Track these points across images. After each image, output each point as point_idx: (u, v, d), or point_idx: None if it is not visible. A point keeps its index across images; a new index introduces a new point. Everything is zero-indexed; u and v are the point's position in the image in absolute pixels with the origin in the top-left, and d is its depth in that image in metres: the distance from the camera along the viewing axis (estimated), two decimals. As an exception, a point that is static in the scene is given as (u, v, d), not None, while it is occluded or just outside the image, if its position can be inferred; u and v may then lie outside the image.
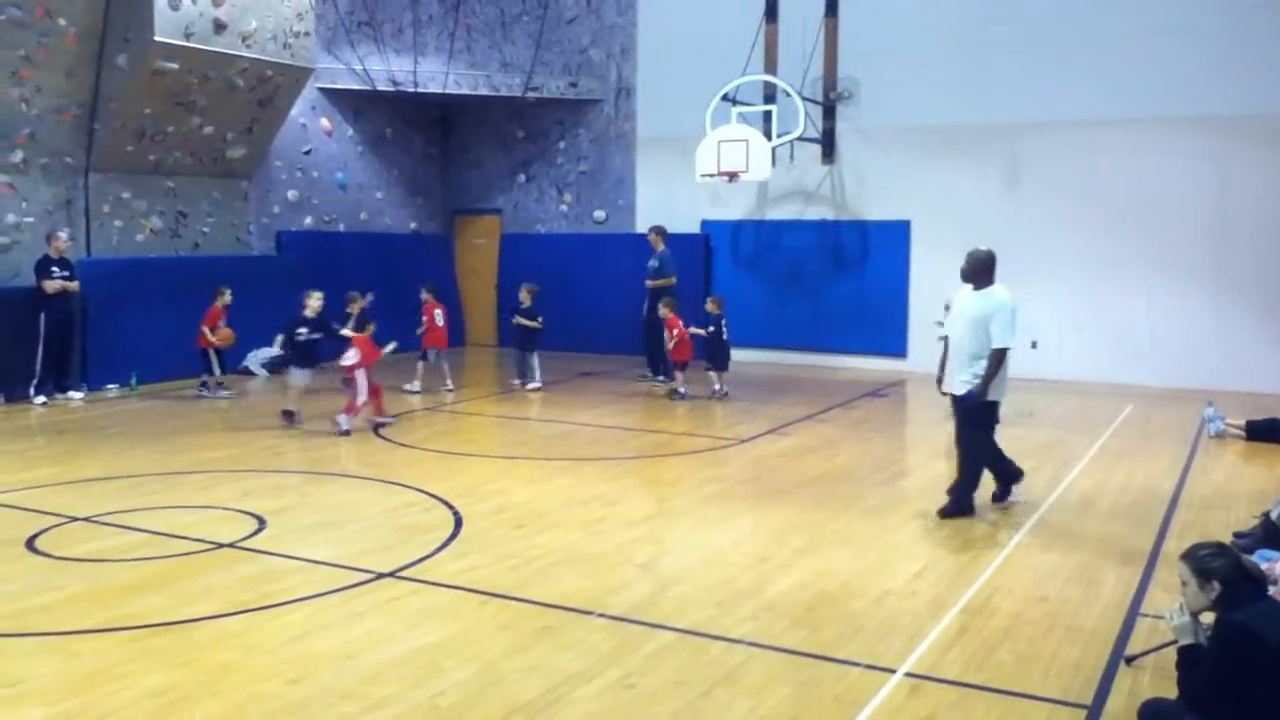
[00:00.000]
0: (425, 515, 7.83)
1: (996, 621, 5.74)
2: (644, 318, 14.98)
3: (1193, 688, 4.15)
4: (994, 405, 7.89)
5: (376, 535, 7.33)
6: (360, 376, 11.17)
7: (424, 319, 13.80)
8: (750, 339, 17.36)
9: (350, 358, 11.23)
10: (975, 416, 7.89)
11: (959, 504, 7.90)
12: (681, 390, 13.49)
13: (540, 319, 14.48)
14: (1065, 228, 15.25)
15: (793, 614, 5.84)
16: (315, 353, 11.60)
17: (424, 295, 13.95)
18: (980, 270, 7.82)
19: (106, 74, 13.76)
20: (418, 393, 13.54)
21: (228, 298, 13.27)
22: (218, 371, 13.36)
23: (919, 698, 4.81)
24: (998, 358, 7.63)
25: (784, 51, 16.52)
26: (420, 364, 13.77)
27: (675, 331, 13.44)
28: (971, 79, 15.63)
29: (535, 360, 14.50)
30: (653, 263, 15.04)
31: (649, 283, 14.87)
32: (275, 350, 15.24)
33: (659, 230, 15.38)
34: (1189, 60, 14.30)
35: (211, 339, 13.14)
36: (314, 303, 11.46)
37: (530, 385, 14.33)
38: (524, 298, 14.65)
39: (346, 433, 10.89)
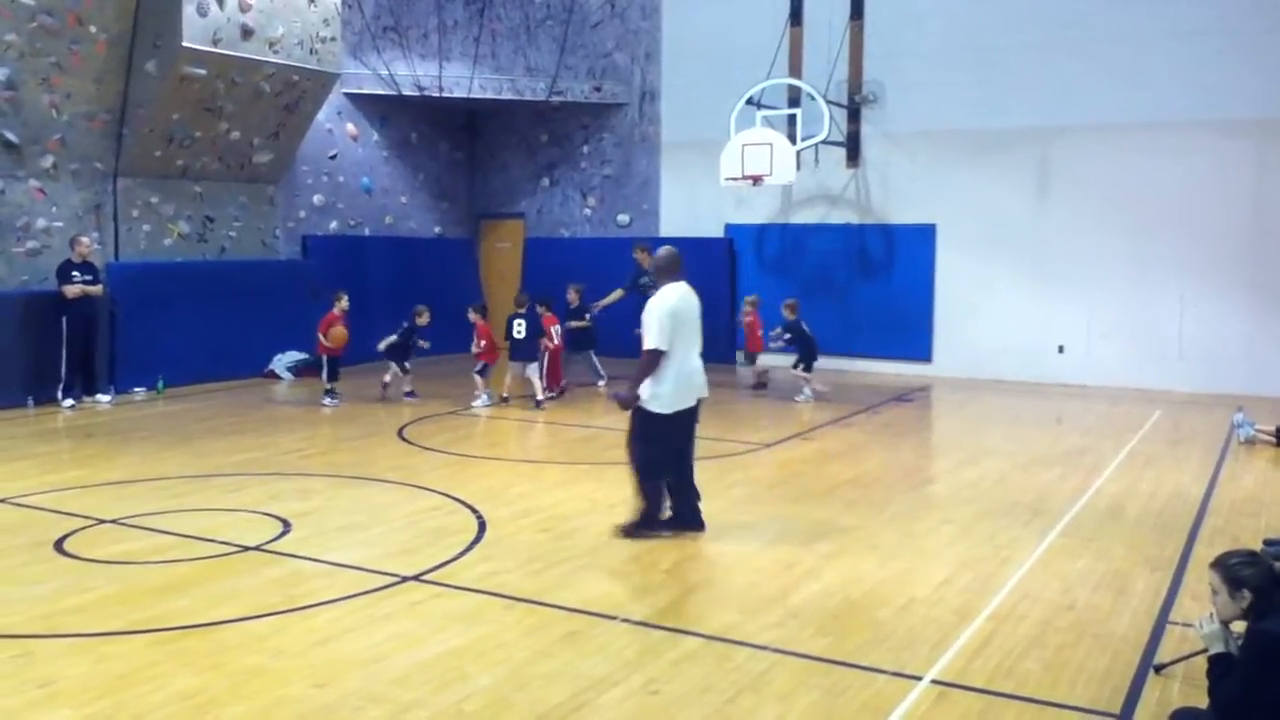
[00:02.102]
0: (450, 519, 7.85)
1: (1024, 629, 5.70)
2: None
3: (1223, 698, 4.11)
4: (661, 418, 7.23)
5: (401, 539, 7.35)
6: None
7: (480, 340, 13.29)
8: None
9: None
10: (641, 428, 7.33)
11: (639, 525, 7.41)
12: None
13: (588, 316, 14.56)
14: (1093, 232, 15.15)
15: (819, 620, 5.82)
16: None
17: (472, 316, 13.46)
18: (659, 270, 7.50)
19: (135, 80, 13.89)
20: (486, 402, 13.18)
21: (345, 303, 13.25)
22: (324, 378, 13.25)
23: (946, 705, 4.78)
24: (644, 360, 7.18)
25: (809, 55, 16.49)
26: (479, 377, 13.27)
27: None
28: (998, 82, 15.55)
29: (595, 358, 14.63)
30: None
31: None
32: (300, 355, 15.39)
33: (645, 247, 15.44)
34: (1220, 63, 14.18)
35: (325, 342, 13.09)
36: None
37: (600, 382, 14.40)
38: (572, 298, 14.72)
39: (541, 404, 12.99)
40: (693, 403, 7.40)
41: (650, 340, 7.16)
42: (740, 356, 14.60)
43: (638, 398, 7.25)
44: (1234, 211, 14.34)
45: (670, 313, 7.20)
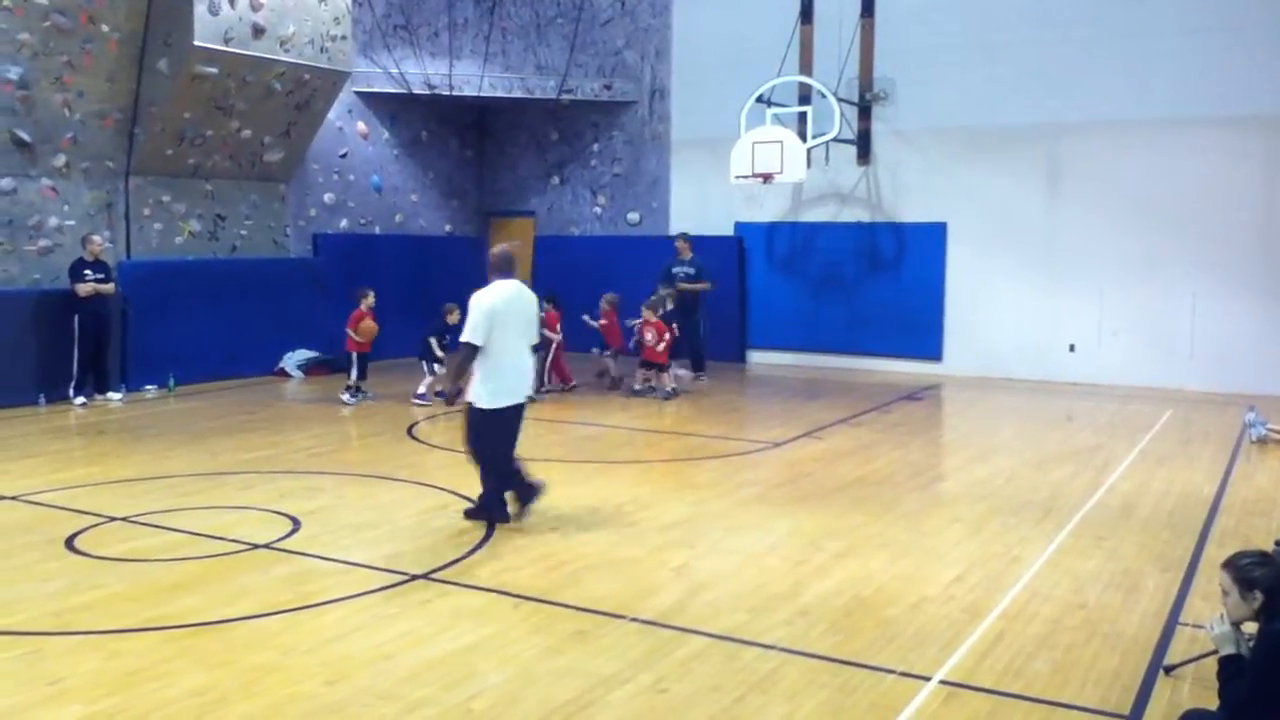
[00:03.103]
0: (459, 517, 7.84)
1: (1034, 628, 5.69)
2: (680, 320, 14.95)
3: (1234, 699, 4.09)
4: (483, 413, 7.47)
5: (410, 537, 7.37)
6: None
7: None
8: (784, 342, 17.32)
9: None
10: (470, 422, 7.62)
11: (477, 511, 7.75)
12: (670, 388, 13.60)
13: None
14: (1104, 229, 15.09)
15: (828, 619, 5.81)
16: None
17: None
18: (491, 268, 7.67)
19: (147, 79, 13.93)
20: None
21: (371, 299, 13.23)
22: (354, 375, 13.16)
23: (954, 705, 4.77)
24: (459, 353, 7.46)
25: (819, 52, 16.46)
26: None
27: (666, 335, 13.62)
28: (1009, 79, 15.50)
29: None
30: (688, 269, 14.98)
31: (684, 286, 14.78)
32: (311, 353, 15.42)
33: (687, 237, 15.41)
34: (1231, 60, 14.11)
35: (356, 338, 13.05)
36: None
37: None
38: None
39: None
40: (518, 400, 7.63)
41: (465, 334, 7.43)
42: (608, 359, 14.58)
43: (460, 391, 7.57)
44: (1244, 209, 14.27)
45: (489, 310, 7.39)
